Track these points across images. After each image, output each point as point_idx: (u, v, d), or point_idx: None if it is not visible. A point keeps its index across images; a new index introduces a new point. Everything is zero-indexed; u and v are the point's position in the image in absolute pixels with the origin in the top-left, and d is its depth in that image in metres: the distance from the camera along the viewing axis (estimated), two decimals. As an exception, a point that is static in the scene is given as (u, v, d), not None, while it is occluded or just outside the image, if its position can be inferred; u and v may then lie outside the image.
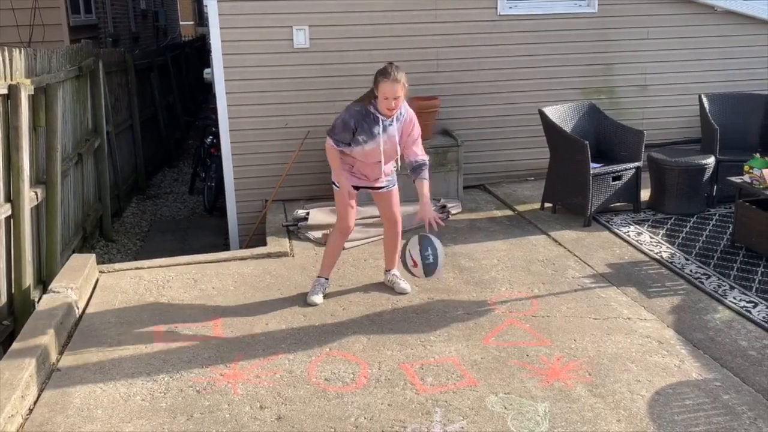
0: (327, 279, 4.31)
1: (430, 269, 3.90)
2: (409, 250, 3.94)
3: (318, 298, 4.20)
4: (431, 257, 3.89)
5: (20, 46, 4.83)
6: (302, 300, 4.26)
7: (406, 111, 4.04)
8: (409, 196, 5.96)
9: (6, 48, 4.46)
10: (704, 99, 6.13)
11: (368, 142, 3.96)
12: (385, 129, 3.97)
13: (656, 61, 6.85)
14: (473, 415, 3.09)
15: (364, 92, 4.04)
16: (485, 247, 5.08)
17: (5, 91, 4.34)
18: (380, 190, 4.22)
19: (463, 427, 3.01)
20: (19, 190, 4.46)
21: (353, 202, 4.19)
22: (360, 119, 3.94)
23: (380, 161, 4.03)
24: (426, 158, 4.10)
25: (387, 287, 4.42)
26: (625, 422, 3.02)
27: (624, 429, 2.98)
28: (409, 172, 4.10)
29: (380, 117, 3.94)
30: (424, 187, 4.04)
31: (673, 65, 6.90)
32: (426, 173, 4.07)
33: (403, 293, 4.33)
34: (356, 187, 4.18)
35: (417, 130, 4.08)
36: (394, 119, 3.98)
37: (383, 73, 3.86)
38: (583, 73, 6.74)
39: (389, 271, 4.45)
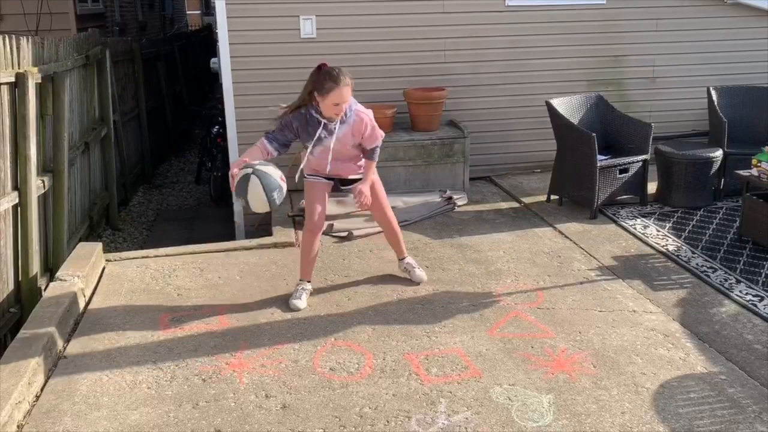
0: (309, 281, 4.19)
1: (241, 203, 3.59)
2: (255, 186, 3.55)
3: (301, 303, 4.04)
4: (242, 201, 3.61)
5: (27, 35, 4.83)
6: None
7: (354, 112, 3.84)
8: (415, 186, 5.97)
9: (13, 36, 4.47)
10: (712, 92, 6.09)
11: (316, 147, 3.87)
12: (331, 132, 3.83)
13: (665, 53, 6.82)
14: (477, 406, 3.10)
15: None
16: (491, 239, 5.08)
17: (12, 80, 4.34)
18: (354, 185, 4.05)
19: (467, 418, 3.02)
20: (26, 178, 4.47)
21: (323, 198, 4.07)
22: (303, 123, 3.81)
23: (329, 159, 3.92)
24: (378, 143, 3.96)
25: (393, 278, 4.41)
26: (629, 414, 3.02)
27: (628, 421, 2.98)
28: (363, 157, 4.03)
29: (324, 121, 3.80)
30: (370, 166, 3.98)
31: (682, 57, 6.86)
32: (375, 155, 3.98)
33: (419, 281, 4.30)
34: (329, 178, 4.10)
35: (369, 129, 3.88)
36: (338, 122, 3.80)
37: (333, 79, 3.63)
38: (591, 65, 6.71)
39: (402, 259, 4.40)
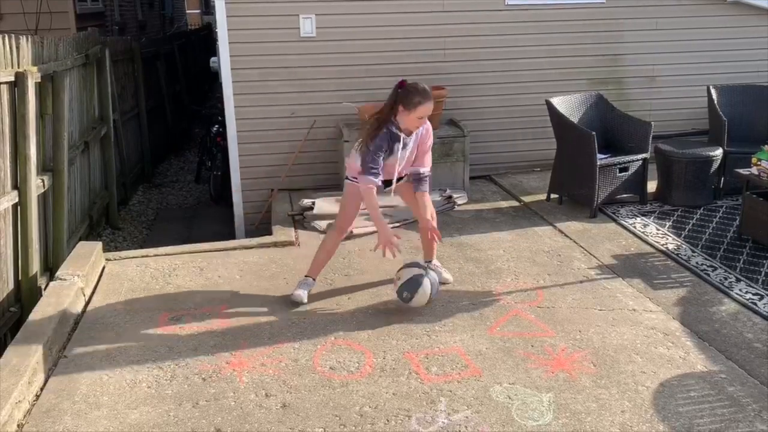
0: (314, 279, 4.19)
1: (400, 297, 3.94)
2: (400, 278, 3.93)
3: (303, 295, 4.06)
4: (406, 295, 3.89)
5: (27, 34, 4.83)
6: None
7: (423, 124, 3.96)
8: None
9: (13, 35, 4.46)
10: (712, 90, 6.09)
11: (388, 159, 3.90)
12: (405, 146, 3.91)
13: (664, 51, 6.81)
14: (477, 405, 3.10)
15: (384, 94, 3.95)
16: (491, 238, 5.08)
17: (12, 79, 4.34)
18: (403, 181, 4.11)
19: (467, 417, 3.02)
20: (25, 178, 4.47)
21: (360, 205, 4.08)
22: (389, 142, 3.85)
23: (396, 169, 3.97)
24: (429, 169, 4.07)
25: (392, 277, 4.40)
26: (629, 413, 3.02)
27: (628, 420, 2.98)
28: (411, 180, 4.06)
29: (401, 135, 3.86)
30: (426, 198, 4.03)
31: (682, 56, 6.86)
32: (427, 185, 4.06)
33: (445, 283, 4.29)
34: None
35: (431, 141, 4.05)
36: (413, 134, 3.92)
37: (420, 94, 3.73)
38: (591, 64, 6.70)
39: (430, 262, 4.38)
